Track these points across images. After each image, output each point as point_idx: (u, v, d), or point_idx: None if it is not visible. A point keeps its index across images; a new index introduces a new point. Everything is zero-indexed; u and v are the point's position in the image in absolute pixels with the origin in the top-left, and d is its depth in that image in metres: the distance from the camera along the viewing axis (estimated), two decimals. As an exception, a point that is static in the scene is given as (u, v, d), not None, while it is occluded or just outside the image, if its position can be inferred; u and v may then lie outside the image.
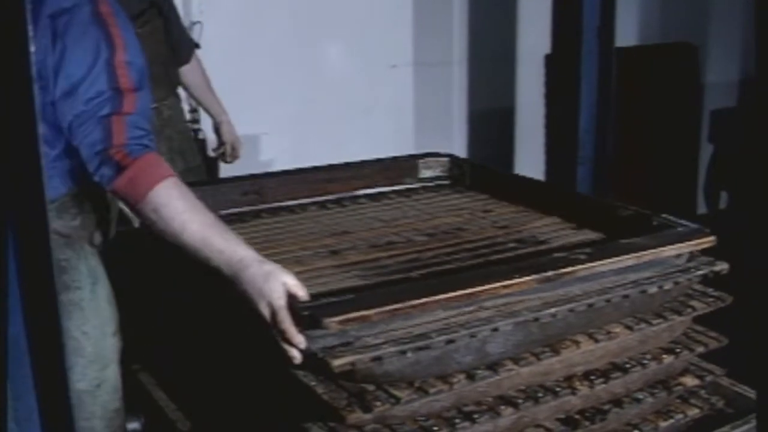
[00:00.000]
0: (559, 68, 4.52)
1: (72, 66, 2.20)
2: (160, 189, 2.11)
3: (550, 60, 4.87)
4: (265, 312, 2.01)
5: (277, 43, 4.68)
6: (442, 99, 5.25)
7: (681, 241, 2.44)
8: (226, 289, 2.09)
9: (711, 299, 2.49)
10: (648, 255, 2.34)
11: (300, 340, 1.96)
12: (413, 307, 1.99)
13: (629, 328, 2.34)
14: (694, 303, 2.46)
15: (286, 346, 1.98)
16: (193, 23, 4.41)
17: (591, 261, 2.25)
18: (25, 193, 1.60)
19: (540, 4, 4.90)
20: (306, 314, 1.94)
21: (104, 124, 2.18)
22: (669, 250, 2.39)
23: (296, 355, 1.97)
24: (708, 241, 2.47)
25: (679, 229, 2.54)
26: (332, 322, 1.90)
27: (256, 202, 3.04)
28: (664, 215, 2.68)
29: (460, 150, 5.13)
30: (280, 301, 2.00)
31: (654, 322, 2.37)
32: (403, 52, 5.09)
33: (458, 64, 5.27)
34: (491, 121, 5.37)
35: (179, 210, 2.11)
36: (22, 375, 1.65)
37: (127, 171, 2.13)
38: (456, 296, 2.05)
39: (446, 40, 5.23)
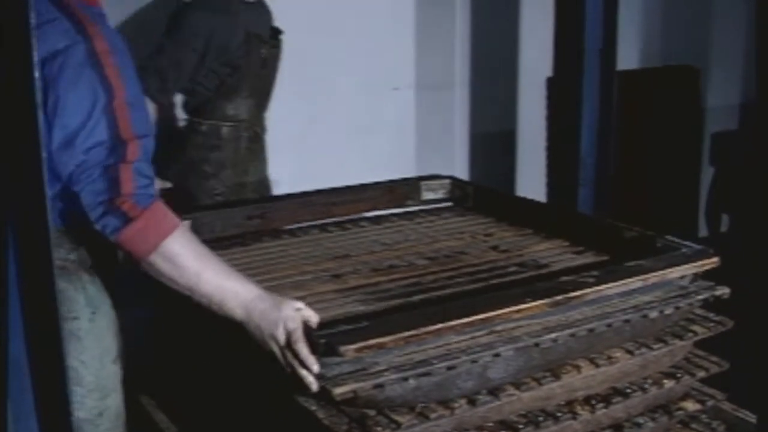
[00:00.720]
0: (561, 90, 4.52)
1: (67, 116, 2.12)
2: (173, 238, 2.11)
3: (551, 82, 4.87)
4: (281, 338, 2.02)
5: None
6: (444, 121, 5.26)
7: (686, 263, 2.45)
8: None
9: (712, 324, 2.50)
10: (654, 277, 2.34)
11: (314, 364, 1.96)
12: (428, 333, 2.00)
13: (630, 352, 2.34)
14: (695, 327, 2.47)
15: (303, 372, 1.98)
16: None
17: (599, 284, 2.25)
18: (28, 218, 1.60)
19: (542, 26, 4.91)
20: (322, 342, 1.95)
21: (110, 173, 2.12)
22: (675, 272, 2.40)
23: (312, 381, 1.97)
24: (712, 262, 2.48)
25: (684, 250, 2.54)
26: (349, 349, 1.91)
27: (260, 226, 3.04)
28: (667, 236, 2.68)
29: (462, 172, 5.13)
30: (294, 325, 2.01)
31: (655, 346, 2.38)
32: (405, 75, 5.09)
33: (460, 86, 5.28)
34: (493, 142, 5.37)
35: (192, 258, 2.12)
36: (24, 397, 1.65)
37: (136, 222, 2.09)
38: (470, 322, 2.06)
39: (448, 62, 5.24)
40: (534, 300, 2.15)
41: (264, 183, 4.16)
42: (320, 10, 4.74)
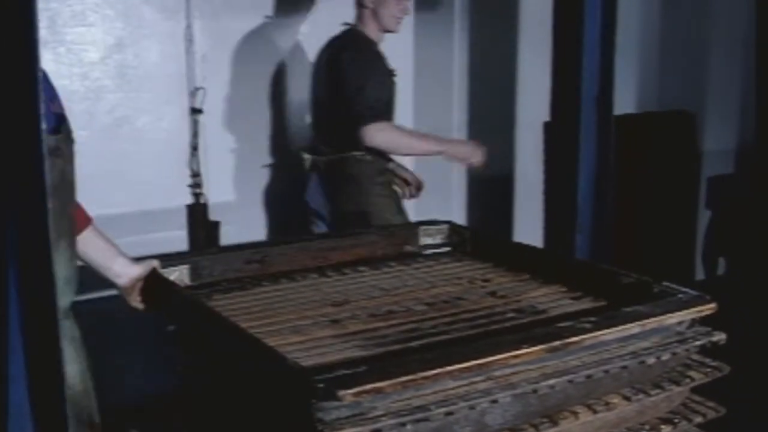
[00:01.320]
0: (558, 136, 4.55)
1: None
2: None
3: (548, 128, 4.90)
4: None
5: (277, 109, 4.73)
6: (441, 166, 5.28)
7: (683, 309, 2.46)
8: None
9: (709, 369, 2.51)
10: (652, 323, 2.35)
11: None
12: (426, 378, 2.01)
13: (627, 398, 2.35)
14: (692, 373, 2.48)
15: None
16: (196, 89, 4.46)
17: (596, 330, 2.26)
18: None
19: (539, 72, 4.95)
20: (321, 386, 1.95)
21: None
22: (672, 318, 2.41)
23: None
24: (709, 308, 2.49)
25: (680, 296, 2.55)
26: (347, 394, 1.92)
27: (258, 271, 3.06)
28: (664, 282, 2.70)
29: (459, 217, 5.15)
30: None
31: (652, 392, 2.39)
32: (402, 119, 5.12)
33: (457, 131, 5.31)
34: (490, 188, 5.39)
35: None
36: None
37: None
38: (467, 367, 2.06)
39: (446, 108, 5.27)
40: (531, 346, 2.15)
41: None
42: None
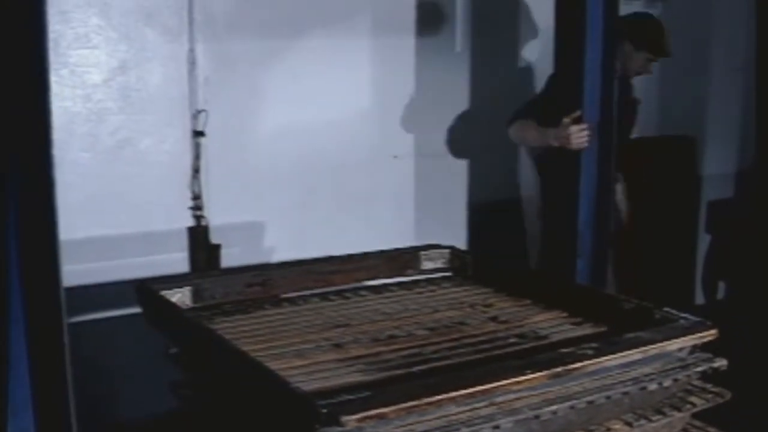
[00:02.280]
0: (560, 161, 4.58)
1: None
2: None
3: (550, 153, 4.91)
4: None
5: (279, 132, 4.74)
6: (443, 190, 5.29)
7: (685, 335, 2.46)
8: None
9: (710, 395, 2.51)
10: (654, 349, 2.36)
11: None
12: (429, 404, 2.01)
13: (629, 424, 2.35)
14: (693, 399, 2.48)
15: None
16: (198, 112, 4.47)
17: (598, 356, 2.27)
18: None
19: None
20: (324, 411, 1.95)
21: None
22: (673, 344, 2.41)
23: None
24: (710, 334, 2.49)
25: (681, 322, 2.56)
26: (351, 419, 1.91)
27: (260, 294, 3.06)
28: (665, 309, 2.71)
29: (461, 241, 5.15)
30: None
31: (653, 418, 2.39)
32: (404, 143, 5.14)
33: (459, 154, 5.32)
34: (493, 212, 5.40)
35: None
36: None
37: None
38: (471, 393, 2.07)
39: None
40: (534, 372, 2.16)
41: None
42: (320, 81, 4.81)
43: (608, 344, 2.39)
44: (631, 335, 2.41)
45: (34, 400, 1.63)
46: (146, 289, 2.91)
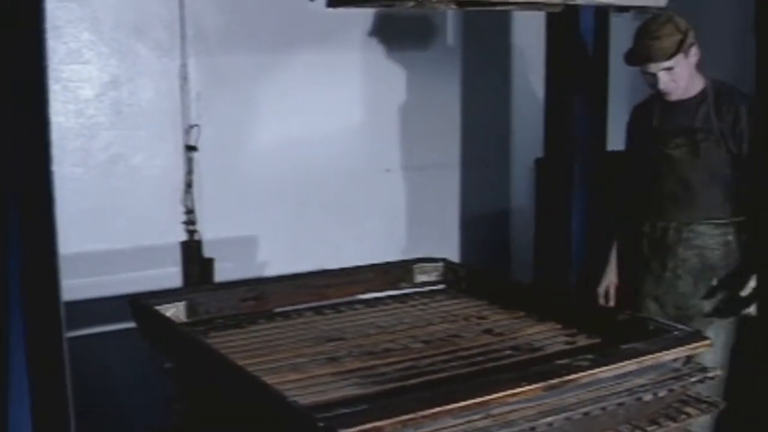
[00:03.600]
0: (551, 173, 4.59)
1: None
2: None
3: (541, 164, 4.92)
4: None
5: (271, 146, 4.74)
6: (436, 203, 5.29)
7: (679, 345, 2.48)
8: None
9: (704, 405, 2.52)
10: (649, 360, 2.37)
11: None
12: (425, 417, 2.02)
13: (627, 436, 2.37)
14: (688, 409, 2.49)
15: None
16: (191, 126, 4.47)
17: (594, 367, 2.28)
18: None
19: (532, 109, 4.99)
20: (322, 425, 1.95)
21: None
22: (668, 355, 2.43)
23: None
24: (705, 344, 2.51)
25: (676, 333, 2.58)
26: (347, 433, 1.92)
27: (255, 308, 3.07)
28: (659, 320, 2.73)
29: (453, 253, 5.15)
30: None
31: (648, 429, 2.40)
32: (396, 156, 5.14)
33: (451, 168, 5.32)
34: (485, 224, 5.40)
35: None
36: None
37: None
38: (467, 405, 2.08)
39: (440, 144, 5.29)
40: (529, 384, 2.17)
41: None
42: (311, 95, 4.81)
43: (604, 356, 2.40)
44: (627, 346, 2.43)
45: (33, 413, 1.63)
46: (140, 305, 2.92)
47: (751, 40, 3.24)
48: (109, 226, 4.33)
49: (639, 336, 2.54)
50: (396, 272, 3.39)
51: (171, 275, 4.46)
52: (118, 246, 4.36)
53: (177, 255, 4.53)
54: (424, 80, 5.16)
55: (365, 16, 4.95)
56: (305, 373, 2.51)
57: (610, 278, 3.94)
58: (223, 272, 4.53)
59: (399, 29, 5.06)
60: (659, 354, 2.41)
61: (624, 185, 4.02)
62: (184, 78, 4.47)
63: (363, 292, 3.27)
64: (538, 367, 2.34)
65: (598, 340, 2.74)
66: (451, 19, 5.25)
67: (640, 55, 3.71)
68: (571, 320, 2.89)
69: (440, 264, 3.43)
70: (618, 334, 2.65)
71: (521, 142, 5.38)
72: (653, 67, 3.67)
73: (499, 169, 5.46)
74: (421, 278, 3.40)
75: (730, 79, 3.94)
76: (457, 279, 3.38)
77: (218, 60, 4.56)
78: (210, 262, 4.56)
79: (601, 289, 3.90)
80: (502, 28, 5.38)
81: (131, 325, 3.20)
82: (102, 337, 4.26)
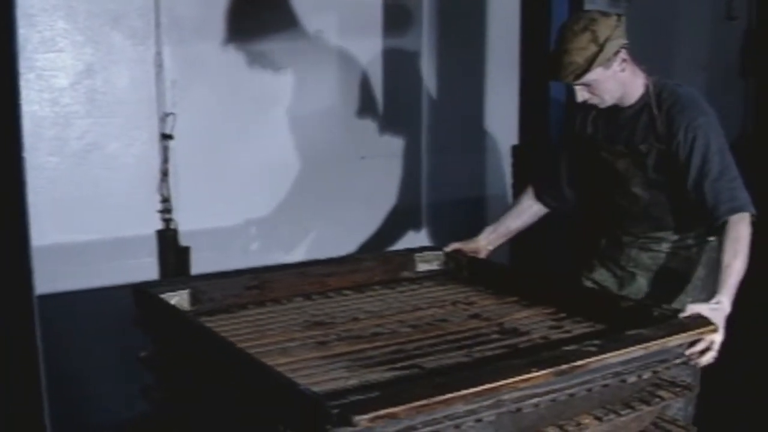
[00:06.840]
0: (526, 159, 4.63)
1: None
2: None
3: (516, 150, 4.95)
4: None
5: (248, 134, 4.73)
6: (412, 189, 5.30)
7: (686, 330, 2.51)
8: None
9: (678, 389, 2.55)
10: (655, 345, 2.39)
11: None
12: (438, 402, 2.02)
13: (599, 419, 2.38)
14: (662, 393, 2.52)
15: None
16: (166, 114, 4.45)
17: (602, 353, 2.29)
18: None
19: (508, 95, 5.02)
20: (335, 412, 1.94)
21: None
22: (675, 340, 2.46)
23: None
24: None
25: (681, 318, 2.60)
26: (363, 419, 1.92)
27: (258, 297, 3.06)
28: (664, 306, 2.75)
29: (430, 240, 5.16)
30: None
31: (623, 412, 2.42)
32: (373, 144, 5.15)
33: (426, 154, 5.33)
34: (461, 211, 5.42)
35: None
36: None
37: None
38: (479, 391, 2.09)
39: (415, 131, 5.30)
40: (539, 369, 2.18)
41: None
42: (287, 83, 4.81)
43: (612, 341, 2.40)
44: (633, 332, 2.44)
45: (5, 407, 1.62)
46: (143, 293, 2.91)
47: (726, 29, 3.24)
48: (85, 216, 4.30)
49: (643, 323, 2.55)
50: (398, 261, 3.40)
51: (147, 265, 4.45)
52: (93, 236, 4.34)
53: (153, 245, 4.52)
54: (398, 67, 5.17)
55: (340, 2, 4.96)
56: (295, 357, 2.52)
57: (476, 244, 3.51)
58: (199, 261, 4.52)
59: (373, 16, 5.07)
60: (666, 339, 2.43)
61: (543, 168, 3.72)
62: (159, 66, 4.45)
63: (365, 281, 3.27)
64: (546, 353, 2.35)
65: (585, 325, 2.76)
66: (426, 5, 5.26)
67: (550, 68, 3.16)
68: (572, 306, 2.91)
69: (441, 253, 3.44)
70: (619, 320, 2.68)
71: (497, 128, 5.40)
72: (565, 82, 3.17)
73: (475, 156, 5.48)
74: (422, 267, 3.40)
75: (706, 66, 3.97)
76: (458, 267, 3.39)
77: (193, 48, 4.54)
78: (186, 250, 4.55)
79: (450, 248, 3.48)
80: (476, 15, 5.40)
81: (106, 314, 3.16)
82: (77, 329, 4.22)
